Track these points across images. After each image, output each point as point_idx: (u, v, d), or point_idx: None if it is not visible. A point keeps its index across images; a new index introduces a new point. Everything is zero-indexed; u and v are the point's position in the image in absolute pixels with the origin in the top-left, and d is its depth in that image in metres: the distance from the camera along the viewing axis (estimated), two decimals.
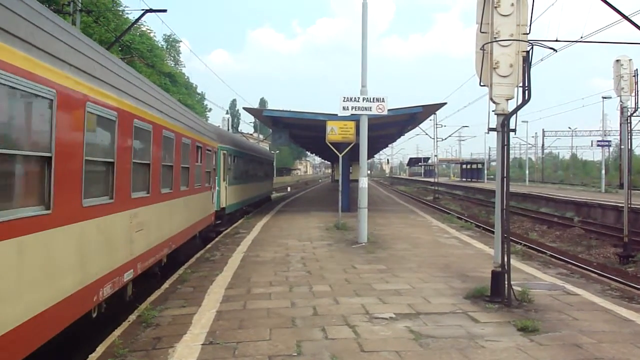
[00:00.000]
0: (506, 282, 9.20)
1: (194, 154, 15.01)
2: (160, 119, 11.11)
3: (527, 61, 9.27)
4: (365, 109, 16.47)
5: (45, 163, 5.94)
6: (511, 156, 11.94)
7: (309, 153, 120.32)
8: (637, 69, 19.85)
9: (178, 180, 12.89)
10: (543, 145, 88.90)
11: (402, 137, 46.25)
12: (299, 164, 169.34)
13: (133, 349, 7.09)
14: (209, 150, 17.90)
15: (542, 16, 38.60)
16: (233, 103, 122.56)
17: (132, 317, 8.65)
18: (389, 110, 17.00)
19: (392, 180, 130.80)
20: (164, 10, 24.04)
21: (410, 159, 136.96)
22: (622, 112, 21.48)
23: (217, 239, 18.29)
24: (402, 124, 30.71)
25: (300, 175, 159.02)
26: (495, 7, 9.38)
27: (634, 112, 21.05)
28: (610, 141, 60.79)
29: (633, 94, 20.04)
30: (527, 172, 76.62)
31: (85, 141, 7.03)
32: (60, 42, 6.43)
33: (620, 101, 20.56)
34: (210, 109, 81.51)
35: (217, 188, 20.52)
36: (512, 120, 9.47)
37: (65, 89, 6.29)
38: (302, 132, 31.67)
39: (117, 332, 7.94)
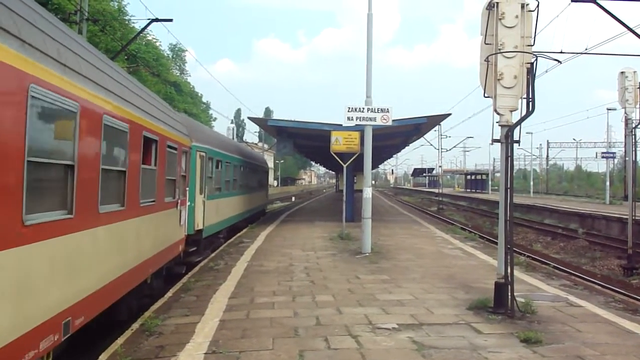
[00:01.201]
0: (509, 294, 9.18)
1: (137, 149, 9.32)
2: (34, 65, 5.59)
3: (531, 73, 9.30)
4: (370, 119, 16.50)
5: None
6: (515, 167, 11.95)
7: (313, 163, 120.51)
8: None
9: (91, 196, 7.21)
10: (547, 156, 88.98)
11: (406, 147, 46.33)
12: (303, 174, 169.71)
13: (136, 357, 7.11)
14: (174, 149, 12.34)
15: (546, 28, 38.68)
16: (238, 112, 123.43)
17: (136, 326, 8.67)
18: (393, 120, 17.05)
19: (397, 190, 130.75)
20: (170, 20, 24.27)
21: (415, 169, 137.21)
22: (626, 124, 21.46)
23: (220, 248, 18.26)
24: (406, 135, 30.75)
25: (305, 185, 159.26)
26: (500, 19, 9.42)
27: (639, 123, 21.05)
28: (614, 153, 60.76)
29: (638, 105, 20.02)
30: (531, 183, 76.50)
31: None
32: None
33: (625, 113, 20.52)
34: (216, 119, 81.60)
35: (189, 203, 15.14)
36: (517, 131, 9.48)
37: None
38: (307, 142, 31.74)
39: (120, 340, 7.96)
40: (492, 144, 10.07)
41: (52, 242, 6.10)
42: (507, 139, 9.44)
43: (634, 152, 22.19)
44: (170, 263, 12.98)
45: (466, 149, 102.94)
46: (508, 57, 9.37)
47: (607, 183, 51.00)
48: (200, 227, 16.63)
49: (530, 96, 9.22)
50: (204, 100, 71.36)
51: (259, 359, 6.89)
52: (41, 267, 5.90)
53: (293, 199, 74.60)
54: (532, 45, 9.53)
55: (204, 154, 17.21)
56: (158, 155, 10.76)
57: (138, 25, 40.44)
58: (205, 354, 7.10)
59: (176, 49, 64.06)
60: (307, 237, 21.36)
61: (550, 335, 8.01)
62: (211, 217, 18.21)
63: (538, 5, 9.47)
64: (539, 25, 9.60)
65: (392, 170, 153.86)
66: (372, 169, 21.35)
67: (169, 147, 11.89)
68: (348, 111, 16.43)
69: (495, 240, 14.21)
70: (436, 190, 69.13)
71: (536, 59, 9.37)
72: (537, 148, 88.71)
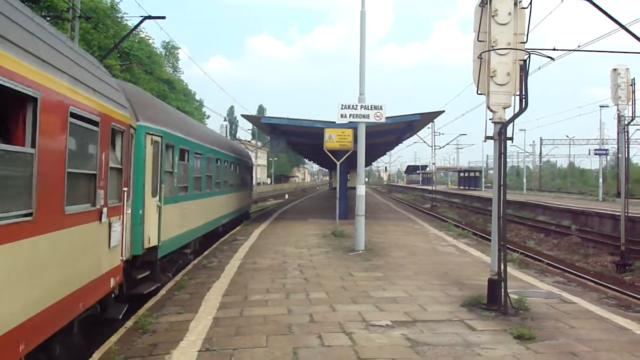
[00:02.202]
0: (503, 290, 9.20)
1: None
2: None
3: (524, 70, 9.31)
4: (363, 116, 16.48)
5: None
6: (508, 164, 11.95)
7: (307, 160, 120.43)
8: (634, 78, 19.93)
9: None
10: (540, 153, 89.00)
11: (400, 144, 46.42)
12: (296, 171, 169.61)
13: (129, 355, 7.09)
14: (92, 123, 7.73)
15: (539, 25, 38.75)
16: (231, 110, 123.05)
17: (129, 324, 8.66)
18: (386, 118, 17.04)
19: (390, 188, 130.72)
20: (163, 17, 23.99)
21: (408, 166, 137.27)
22: (619, 121, 21.55)
23: (213, 246, 18.21)
24: (400, 132, 30.79)
25: (298, 182, 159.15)
26: (493, 16, 9.43)
27: (631, 120, 21.15)
28: (607, 150, 61.00)
29: (630, 102, 20.11)
30: (524, 180, 76.57)
31: None
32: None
33: (618, 110, 20.61)
34: (209, 116, 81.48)
35: (132, 211, 10.55)
36: (510, 128, 9.50)
37: None
38: (300, 139, 31.71)
39: (114, 338, 7.94)
40: (485, 141, 10.08)
41: None
42: (500, 136, 9.46)
43: (626, 149, 22.27)
44: (92, 309, 8.19)
45: (459, 146, 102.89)
46: (501, 54, 9.39)
47: (600, 180, 51.15)
48: (155, 243, 11.80)
49: (523, 93, 9.23)
50: (197, 97, 71.21)
51: (252, 356, 6.88)
52: None
53: (286, 196, 74.51)
54: (525, 43, 9.56)
55: (159, 139, 12.25)
56: (40, 129, 5.84)
57: (131, 23, 40.53)
58: (199, 351, 7.08)
59: (169, 46, 63.98)
60: (300, 234, 21.35)
61: (544, 331, 8.03)
62: (172, 228, 13.35)
63: (531, 3, 9.50)
64: (531, 22, 9.64)
65: (386, 167, 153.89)
66: (366, 166, 21.32)
67: (78, 117, 7.10)
68: (341, 108, 16.40)
69: (489, 237, 14.25)
70: (429, 188, 69.26)
71: (529, 56, 9.39)
72: (530, 145, 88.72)
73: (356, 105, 16.48)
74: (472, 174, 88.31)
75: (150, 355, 7.09)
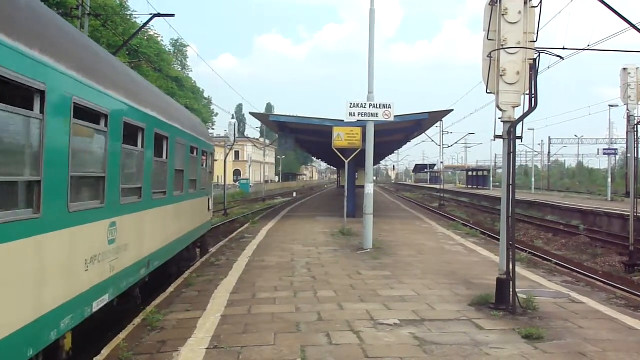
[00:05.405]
0: (511, 290, 9.18)
1: None
2: None
3: (534, 69, 9.27)
4: (372, 115, 16.47)
5: None
6: (517, 163, 11.93)
7: (315, 159, 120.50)
8: None
9: None
10: (549, 153, 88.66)
11: (408, 143, 46.40)
12: (305, 170, 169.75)
13: (138, 352, 7.13)
14: None
15: (549, 24, 38.58)
16: (239, 108, 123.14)
17: (137, 321, 8.69)
18: (395, 116, 17.01)
19: (398, 186, 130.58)
20: (172, 15, 24.07)
21: (416, 165, 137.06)
22: (628, 121, 21.40)
23: (222, 244, 18.27)
24: (408, 131, 30.77)
25: (306, 180, 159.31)
26: (503, 15, 9.40)
27: None
28: (616, 149, 60.69)
29: None
30: (533, 179, 76.28)
31: None
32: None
33: (627, 109, 20.49)
34: (217, 114, 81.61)
35: None
36: (519, 127, 9.47)
37: None
38: (309, 137, 31.75)
39: (122, 335, 7.98)
40: (494, 140, 10.05)
41: None
42: (510, 135, 9.44)
43: (635, 149, 22.12)
44: None
45: (468, 145, 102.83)
46: (511, 53, 9.36)
47: (609, 179, 50.92)
48: None
49: (533, 92, 9.20)
50: (205, 95, 71.24)
51: (260, 354, 6.90)
52: None
53: (294, 194, 74.57)
54: (534, 42, 9.52)
55: None
56: None
57: (140, 20, 40.52)
58: (207, 349, 7.11)
59: (178, 44, 64.02)
60: (308, 232, 21.37)
61: (552, 331, 8.01)
62: None
63: (541, 2, 9.46)
64: (541, 21, 9.59)
65: (394, 166, 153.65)
66: (374, 164, 21.31)
67: None
68: (350, 107, 16.39)
69: (497, 237, 14.22)
70: (437, 187, 69.12)
71: (539, 55, 9.36)
72: (539, 144, 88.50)
73: (365, 104, 16.46)
74: (480, 173, 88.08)
75: (158, 352, 7.12)
